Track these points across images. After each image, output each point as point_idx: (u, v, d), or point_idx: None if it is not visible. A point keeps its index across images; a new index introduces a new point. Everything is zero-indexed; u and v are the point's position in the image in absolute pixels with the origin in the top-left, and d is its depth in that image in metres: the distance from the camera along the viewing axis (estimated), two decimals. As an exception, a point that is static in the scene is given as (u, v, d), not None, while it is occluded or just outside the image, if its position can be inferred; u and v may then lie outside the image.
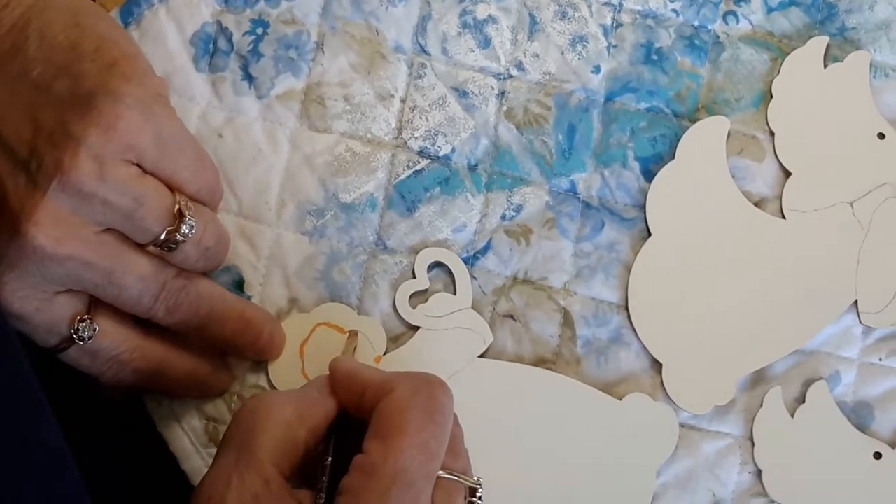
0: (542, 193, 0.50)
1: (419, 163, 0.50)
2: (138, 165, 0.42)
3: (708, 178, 0.50)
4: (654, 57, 0.51)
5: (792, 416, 0.49)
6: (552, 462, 0.48)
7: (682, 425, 0.49)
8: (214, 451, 0.48)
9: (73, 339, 0.43)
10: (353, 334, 0.48)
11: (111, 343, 0.44)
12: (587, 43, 0.51)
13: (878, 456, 0.49)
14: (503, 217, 0.50)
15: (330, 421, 0.42)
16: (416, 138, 0.50)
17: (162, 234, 0.43)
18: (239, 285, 0.49)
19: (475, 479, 0.42)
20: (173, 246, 0.43)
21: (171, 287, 0.44)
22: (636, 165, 0.50)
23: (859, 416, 0.49)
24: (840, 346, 0.50)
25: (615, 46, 0.51)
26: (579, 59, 0.51)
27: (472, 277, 0.49)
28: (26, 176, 0.40)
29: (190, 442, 0.48)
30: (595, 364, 0.49)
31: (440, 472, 0.40)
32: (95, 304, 0.44)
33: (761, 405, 0.49)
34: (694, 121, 0.50)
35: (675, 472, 0.49)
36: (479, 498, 0.42)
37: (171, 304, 0.44)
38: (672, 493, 0.49)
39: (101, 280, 0.42)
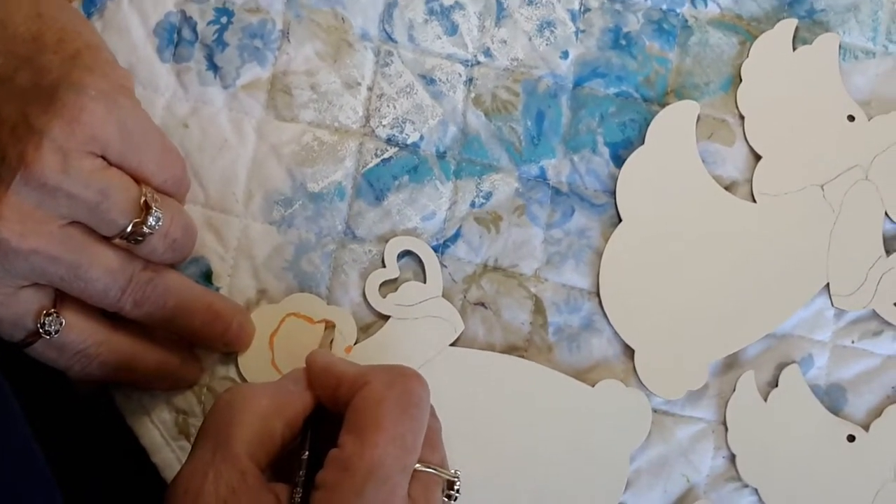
0: (511, 180, 0.50)
1: (387, 151, 0.50)
2: (103, 158, 0.41)
3: (678, 163, 0.50)
4: (623, 42, 0.51)
5: (765, 400, 0.49)
6: (525, 450, 0.48)
7: (655, 411, 0.49)
8: (185, 443, 0.48)
9: (40, 333, 0.43)
10: (330, 325, 0.48)
11: (78, 337, 0.44)
12: (555, 28, 0.51)
13: (851, 439, 0.49)
14: (472, 204, 0.50)
15: (307, 414, 0.42)
16: (384, 126, 0.50)
17: (128, 226, 0.42)
18: (207, 276, 0.48)
19: (453, 471, 0.41)
20: (140, 238, 0.43)
21: (138, 280, 0.44)
22: (606, 151, 0.50)
23: (832, 398, 0.49)
24: (812, 329, 0.50)
25: (583, 31, 0.51)
26: (547, 44, 0.51)
27: (443, 265, 0.49)
28: None
29: (160, 435, 0.48)
30: (567, 351, 0.49)
31: (417, 465, 0.39)
32: (61, 298, 0.43)
33: (734, 390, 0.49)
34: (663, 105, 0.50)
35: (648, 458, 0.49)
36: (457, 490, 0.41)
37: (138, 296, 0.44)
38: (646, 479, 0.49)
39: (66, 274, 0.42)
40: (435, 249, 0.49)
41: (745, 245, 0.49)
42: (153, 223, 0.43)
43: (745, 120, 0.50)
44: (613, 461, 0.48)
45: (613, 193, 0.50)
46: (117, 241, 0.43)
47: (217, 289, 0.49)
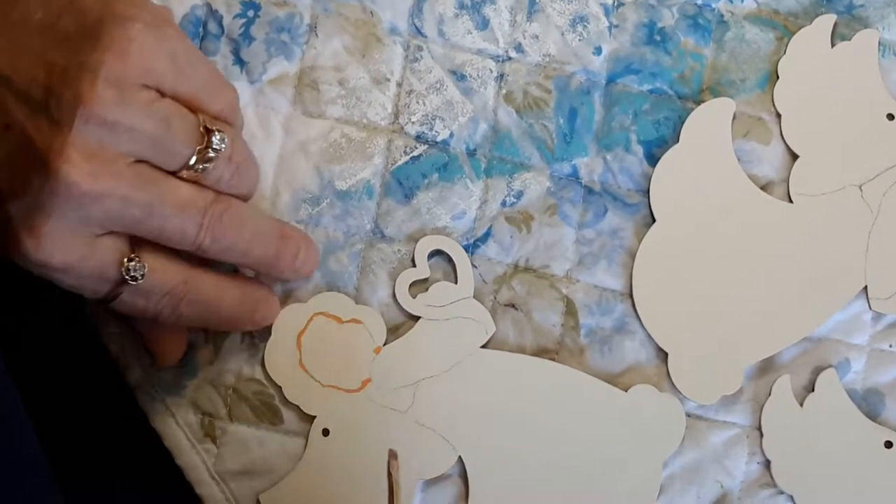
0: (542, 179, 0.49)
1: (416, 148, 0.49)
2: (156, 90, 0.41)
3: (713, 162, 0.49)
4: (657, 37, 0.50)
5: (801, 404, 0.48)
6: (556, 455, 0.47)
7: (688, 415, 0.48)
8: (210, 446, 0.47)
9: (126, 280, 0.41)
10: (394, 457, 0.47)
11: (163, 278, 0.43)
12: (588, 23, 0.50)
13: (889, 445, 0.48)
14: (503, 203, 0.49)
15: None
16: (413, 123, 0.49)
17: (192, 155, 0.41)
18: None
19: None
20: (206, 165, 0.42)
21: (212, 212, 0.42)
22: (639, 149, 0.49)
23: (870, 403, 0.48)
24: (849, 332, 0.49)
25: (616, 27, 0.50)
26: (580, 40, 0.49)
27: (473, 266, 0.48)
28: (47, 118, 0.39)
29: (185, 437, 0.47)
30: (599, 354, 0.48)
31: None
32: (138, 245, 0.42)
33: (769, 394, 0.48)
34: (698, 103, 0.49)
35: (681, 464, 0.48)
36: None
37: (216, 230, 0.42)
38: (679, 485, 0.48)
39: (142, 215, 0.40)
40: (465, 249, 0.48)
41: (781, 246, 0.48)
42: (217, 144, 0.42)
43: (782, 118, 0.49)
44: (646, 467, 0.47)
45: (647, 193, 0.49)
46: (184, 173, 0.42)
47: (243, 288, 0.48)
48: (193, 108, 0.42)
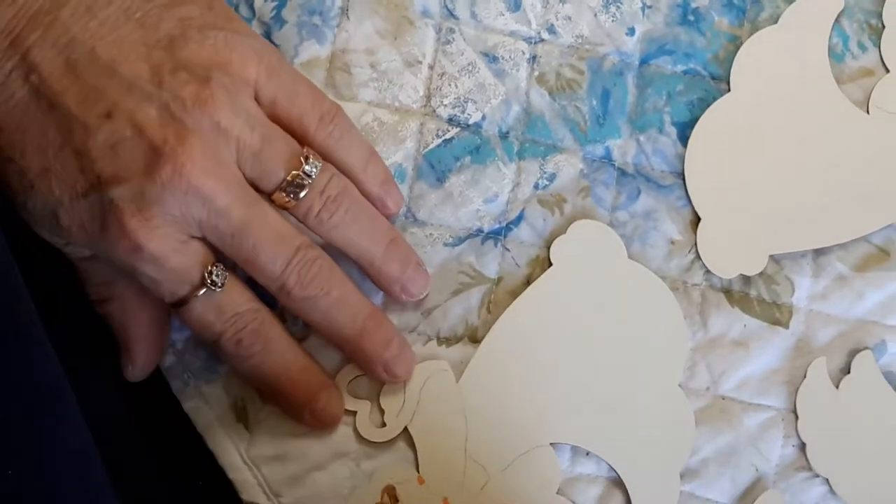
0: (575, 161, 0.49)
1: (449, 131, 0.49)
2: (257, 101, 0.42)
3: (801, 49, 0.49)
4: (691, 17, 0.49)
5: (836, 387, 0.48)
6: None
7: (722, 398, 0.48)
8: (242, 430, 0.47)
9: (206, 284, 0.42)
10: (390, 491, 0.46)
11: (239, 297, 0.43)
12: (621, 4, 0.49)
13: (925, 427, 0.47)
14: (536, 186, 0.49)
15: None
16: (446, 106, 0.49)
17: (286, 177, 0.42)
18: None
19: None
20: (298, 191, 0.42)
21: (305, 254, 0.43)
22: (673, 131, 0.49)
23: (906, 386, 0.48)
24: (886, 314, 0.48)
25: (650, 7, 0.49)
26: (613, 20, 0.49)
27: (505, 249, 0.48)
28: (159, 110, 0.40)
29: (217, 422, 0.47)
30: (633, 336, 0.48)
31: None
32: (222, 262, 0.43)
33: (804, 376, 0.48)
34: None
35: (716, 448, 0.48)
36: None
37: (303, 273, 0.43)
38: (713, 469, 0.47)
39: (237, 231, 0.41)
40: (497, 233, 0.48)
41: (842, 151, 0.48)
42: (310, 170, 0.42)
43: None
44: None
45: (681, 175, 0.49)
46: (276, 195, 0.42)
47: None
48: (293, 119, 0.43)
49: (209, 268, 0.42)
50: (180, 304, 0.42)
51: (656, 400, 0.47)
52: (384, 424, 0.47)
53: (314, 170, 0.43)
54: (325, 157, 0.44)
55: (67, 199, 0.40)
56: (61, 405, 0.38)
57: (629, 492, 0.47)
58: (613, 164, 0.49)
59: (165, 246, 0.40)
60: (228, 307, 0.43)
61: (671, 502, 0.47)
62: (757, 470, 0.48)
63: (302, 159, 0.42)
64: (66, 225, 0.41)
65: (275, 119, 0.43)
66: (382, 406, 0.47)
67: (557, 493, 0.47)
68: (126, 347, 0.46)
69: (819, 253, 0.48)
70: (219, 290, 0.42)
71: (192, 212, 0.40)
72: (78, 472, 0.37)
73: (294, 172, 0.42)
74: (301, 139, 0.44)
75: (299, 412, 0.46)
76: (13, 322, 0.37)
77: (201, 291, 0.42)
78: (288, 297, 0.43)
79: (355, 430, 0.47)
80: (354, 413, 0.47)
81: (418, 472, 0.47)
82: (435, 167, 0.48)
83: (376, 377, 0.46)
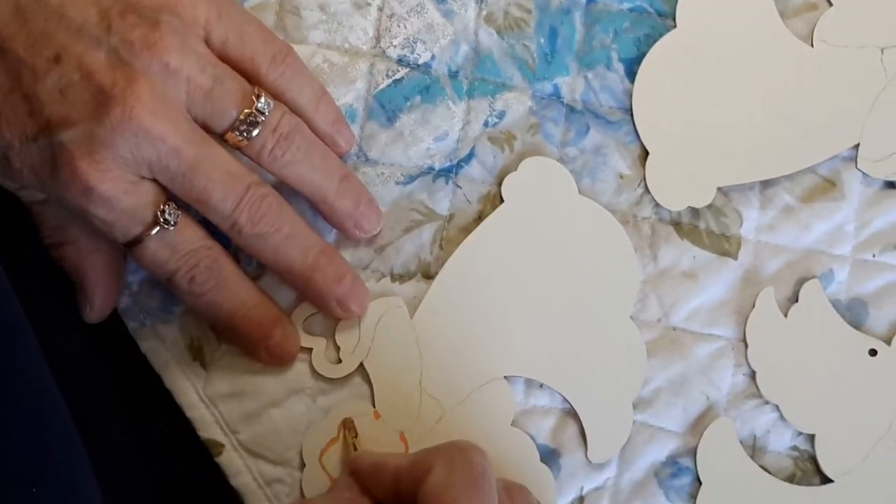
0: (524, 99, 0.49)
1: (398, 72, 0.49)
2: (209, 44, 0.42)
3: None
4: (636, -45, 0.50)
5: (785, 315, 0.48)
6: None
7: (673, 329, 0.48)
8: (199, 369, 0.47)
9: (159, 223, 0.42)
10: (349, 424, 0.47)
11: (192, 234, 0.43)
12: (567, -57, 0.50)
13: (873, 353, 0.48)
14: (486, 124, 0.49)
15: None
16: (395, 47, 0.49)
17: (238, 116, 0.42)
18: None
19: None
20: (251, 129, 0.43)
21: (255, 192, 0.43)
22: (620, 67, 0.49)
23: (854, 313, 0.49)
24: (833, 243, 0.49)
25: (595, -54, 0.50)
26: (559, -41, 0.50)
27: (457, 186, 0.49)
28: (109, 55, 0.40)
29: (174, 361, 0.48)
30: (584, 270, 0.49)
31: None
32: (174, 201, 0.43)
33: (753, 306, 0.48)
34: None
35: (667, 377, 0.48)
36: None
37: (254, 210, 0.43)
38: (665, 398, 0.48)
39: (187, 171, 0.41)
40: (448, 171, 0.49)
41: (788, 84, 0.49)
42: (262, 107, 0.43)
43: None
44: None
45: (629, 111, 0.49)
46: (229, 135, 0.43)
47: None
48: (245, 60, 0.44)
49: (161, 206, 0.42)
50: (134, 243, 0.43)
51: (608, 332, 0.48)
52: (340, 361, 0.47)
53: (267, 107, 0.43)
54: (277, 98, 0.45)
55: (18, 143, 0.40)
56: (21, 342, 0.38)
57: (583, 422, 0.47)
58: (562, 102, 0.49)
59: (116, 187, 0.41)
60: (181, 245, 0.43)
61: (624, 431, 0.47)
62: (708, 398, 0.48)
63: (254, 97, 0.43)
64: (18, 167, 0.41)
65: (226, 60, 0.43)
66: (338, 343, 0.47)
67: (512, 425, 0.47)
68: (83, 290, 0.46)
69: (766, 185, 0.49)
70: (171, 228, 0.43)
71: (143, 153, 0.41)
72: (36, 410, 0.38)
73: (246, 111, 0.43)
74: (252, 80, 0.44)
75: (254, 349, 0.46)
76: None
77: (154, 230, 0.42)
78: (239, 235, 0.44)
79: (311, 366, 0.47)
80: (310, 350, 0.47)
81: (374, 407, 0.47)
82: (385, 107, 0.49)
83: (330, 313, 0.47)
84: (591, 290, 0.48)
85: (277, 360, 0.47)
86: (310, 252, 0.45)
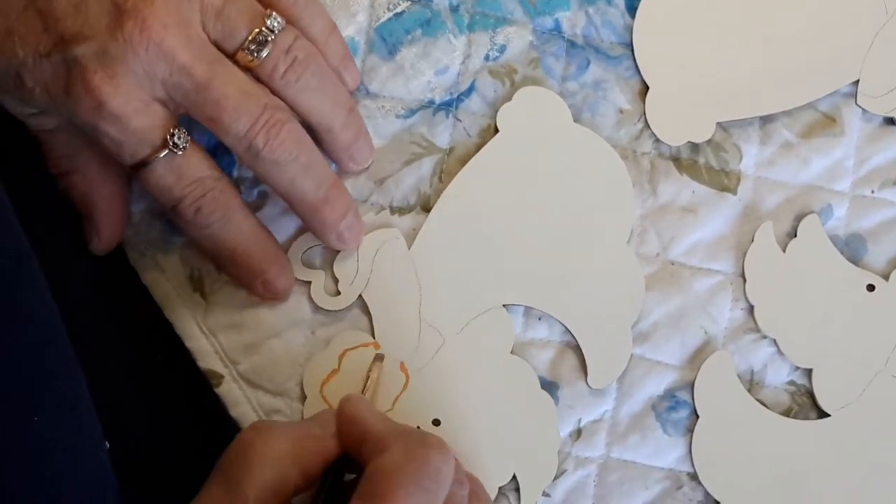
0: (525, 33, 0.49)
1: (399, 5, 0.49)
2: None
3: None
4: None
5: (784, 250, 0.48)
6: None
7: (672, 263, 0.48)
8: (199, 299, 0.47)
9: (167, 146, 0.42)
10: (379, 360, 0.47)
11: (200, 162, 0.43)
12: None
13: (871, 288, 0.48)
14: (486, 58, 0.49)
15: (328, 462, 0.41)
16: (396, -20, 0.49)
17: (248, 35, 0.42)
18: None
19: None
20: (262, 48, 0.42)
21: (273, 115, 0.42)
22: (621, 2, 0.49)
23: (852, 248, 0.49)
24: (832, 179, 0.49)
25: None
26: None
27: (457, 119, 0.49)
28: None
29: (174, 291, 0.48)
30: (583, 204, 0.49)
31: None
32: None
33: (752, 241, 0.48)
34: (680, -44, 0.49)
35: (666, 311, 0.48)
36: None
37: (271, 134, 0.42)
38: (663, 332, 0.48)
39: (199, 88, 0.41)
40: (448, 104, 0.49)
41: (789, 19, 0.49)
42: (272, 24, 0.43)
43: None
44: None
45: (629, 45, 0.49)
46: (240, 54, 0.43)
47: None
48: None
49: (171, 130, 0.42)
50: (141, 166, 0.43)
51: (605, 259, 0.48)
52: (338, 293, 0.48)
53: (277, 25, 0.43)
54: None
55: (31, 60, 0.40)
56: (26, 271, 0.38)
57: (582, 348, 0.48)
58: (563, 36, 0.49)
59: (128, 105, 0.41)
60: (189, 172, 0.43)
61: (623, 357, 0.48)
62: (706, 332, 0.48)
63: (265, 17, 0.43)
64: (31, 87, 0.41)
65: None
66: (336, 275, 0.48)
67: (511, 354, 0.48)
68: (90, 219, 0.46)
69: (766, 120, 0.49)
70: (180, 153, 0.42)
71: (155, 69, 0.41)
72: (39, 339, 0.38)
73: (256, 30, 0.43)
74: (266, 5, 0.44)
75: (252, 283, 0.47)
76: None
77: (162, 153, 0.42)
78: (255, 160, 0.43)
79: (310, 298, 0.48)
80: (309, 283, 0.48)
81: (374, 338, 0.47)
82: (386, 40, 0.49)
83: (328, 243, 0.47)
84: (588, 218, 0.48)
85: (274, 295, 0.47)
86: (323, 184, 0.45)
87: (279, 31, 0.43)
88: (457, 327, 0.47)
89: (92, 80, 0.40)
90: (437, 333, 0.47)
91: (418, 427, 0.46)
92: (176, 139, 0.42)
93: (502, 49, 0.49)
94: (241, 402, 0.47)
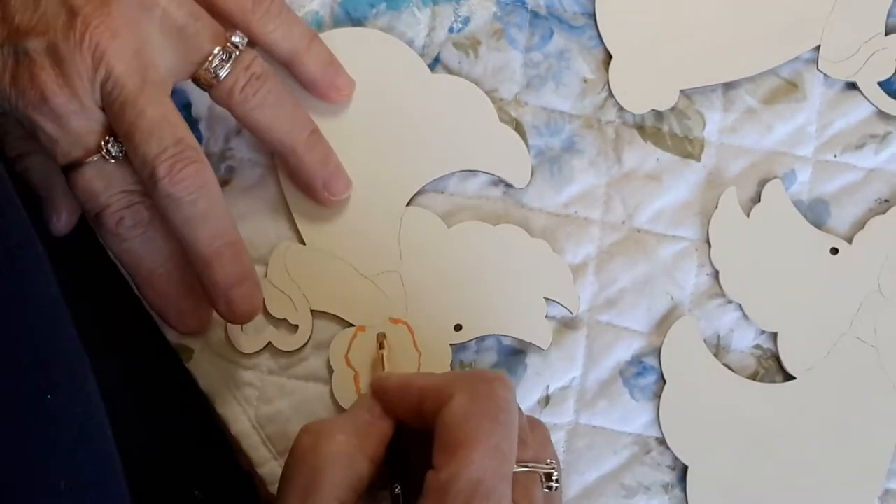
0: (489, 4, 0.50)
1: (363, -22, 0.49)
2: None
3: None
4: None
5: (748, 216, 0.49)
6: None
7: (637, 230, 0.49)
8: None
9: (101, 151, 0.42)
10: (380, 339, 0.47)
11: (131, 176, 0.43)
12: None
13: (834, 251, 0.48)
14: (451, 30, 0.49)
15: (387, 443, 0.40)
16: (360, -47, 0.49)
17: (211, 52, 0.43)
18: (186, 108, 0.48)
19: (548, 462, 0.40)
20: (224, 64, 0.43)
21: (184, 151, 0.42)
22: (583, -28, 0.50)
23: (815, 213, 0.49)
24: (795, 144, 0.49)
25: None
26: None
27: (422, 91, 0.49)
28: None
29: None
30: (548, 173, 0.49)
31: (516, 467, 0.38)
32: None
33: (716, 207, 0.49)
34: (641, -75, 0.50)
35: (632, 278, 0.49)
36: (556, 480, 0.40)
37: (176, 168, 0.42)
38: (629, 298, 0.49)
39: (125, 100, 0.41)
40: (414, 76, 0.49)
41: None
42: (237, 41, 0.43)
43: None
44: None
45: (592, 15, 0.50)
46: (200, 71, 0.43)
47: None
48: (228, 13, 0.44)
49: (107, 137, 0.42)
50: (72, 167, 0.43)
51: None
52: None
53: (241, 43, 0.44)
54: (265, 37, 0.45)
55: None
56: (34, 258, 0.38)
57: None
58: (526, 7, 0.50)
59: (69, 105, 0.41)
60: (118, 181, 0.43)
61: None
62: (672, 298, 0.49)
63: (227, 36, 0.43)
64: None
65: (209, 6, 0.44)
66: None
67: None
68: (49, 201, 0.46)
69: (729, 87, 0.50)
70: (111, 161, 0.43)
71: (96, 75, 0.41)
72: (49, 319, 0.37)
73: (219, 47, 0.43)
74: (239, 22, 0.45)
75: (165, 312, 0.46)
76: None
77: (94, 157, 0.42)
78: (154, 189, 0.42)
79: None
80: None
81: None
82: (351, 14, 0.49)
83: (217, 309, 0.45)
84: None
85: (186, 329, 0.47)
86: (218, 238, 0.44)
87: (242, 49, 0.44)
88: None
89: (39, 74, 0.40)
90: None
91: None
92: (110, 146, 0.42)
93: (466, 21, 0.49)
94: (211, 375, 0.48)
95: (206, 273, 0.44)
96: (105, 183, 0.43)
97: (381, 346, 0.47)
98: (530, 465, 0.39)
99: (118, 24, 0.41)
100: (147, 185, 0.43)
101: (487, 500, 0.36)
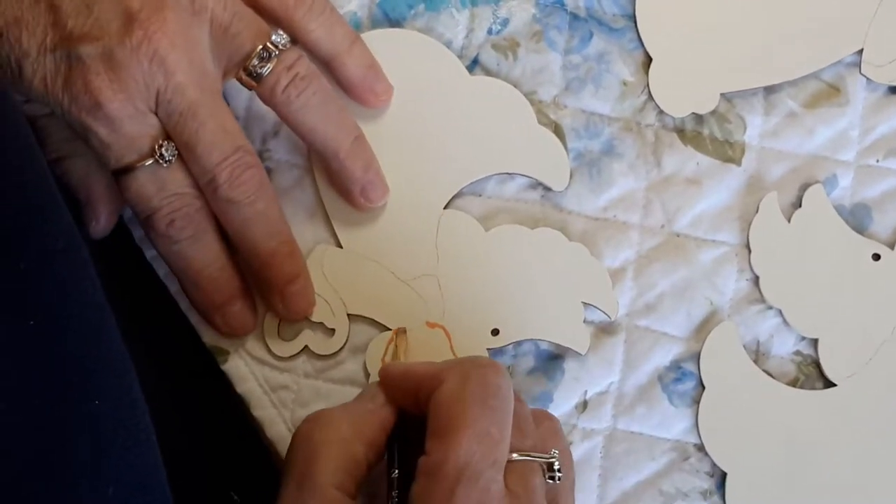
0: (528, 6, 0.49)
1: (402, -21, 0.49)
2: None
3: None
4: None
5: (788, 221, 0.48)
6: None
7: (677, 235, 0.48)
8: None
9: (154, 155, 0.42)
10: (402, 332, 0.47)
11: (182, 179, 0.43)
12: None
13: (876, 257, 0.48)
14: (489, 31, 0.49)
15: (388, 431, 0.40)
16: (398, -46, 0.49)
17: (252, 51, 0.43)
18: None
19: (550, 452, 0.40)
20: (264, 63, 0.43)
21: (243, 156, 0.43)
22: (623, -26, 0.49)
23: (857, 218, 0.49)
24: (837, 149, 0.49)
25: None
26: None
27: (460, 93, 0.49)
28: None
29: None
30: (587, 176, 0.49)
31: (512, 454, 0.38)
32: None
33: (757, 211, 0.48)
34: (682, -73, 0.49)
35: (672, 282, 0.48)
36: (558, 470, 0.39)
37: (235, 174, 0.43)
38: (669, 303, 0.48)
39: (185, 111, 0.42)
40: (452, 78, 0.49)
41: None
42: (277, 40, 0.43)
43: None
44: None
45: (632, 17, 0.49)
46: (242, 69, 0.43)
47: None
48: (272, 12, 0.44)
49: (160, 141, 0.42)
50: (124, 171, 0.43)
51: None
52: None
53: (281, 40, 0.43)
54: (307, 35, 0.45)
55: (35, 52, 0.41)
56: (80, 263, 0.38)
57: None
58: (566, 9, 0.49)
59: (124, 110, 0.41)
60: (170, 185, 0.43)
61: None
62: (711, 304, 0.48)
63: (269, 33, 0.43)
64: (29, 78, 0.41)
65: (253, 5, 0.44)
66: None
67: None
68: (88, 205, 0.46)
69: (770, 91, 0.49)
70: (165, 165, 0.43)
71: (154, 81, 0.41)
72: (96, 324, 0.37)
73: (260, 45, 0.43)
74: (281, 20, 0.45)
75: (211, 312, 0.46)
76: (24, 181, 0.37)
77: (147, 162, 0.42)
78: (214, 194, 0.43)
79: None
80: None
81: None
82: (389, 15, 0.49)
83: (274, 307, 0.47)
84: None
85: (231, 330, 0.47)
86: (274, 237, 0.45)
87: (283, 48, 0.43)
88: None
89: (93, 80, 0.40)
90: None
91: None
92: (164, 151, 0.42)
93: (505, 22, 0.49)
94: (247, 378, 0.48)
95: (264, 271, 0.45)
96: (157, 187, 0.43)
97: (392, 339, 0.47)
98: (528, 453, 0.39)
99: (174, 31, 0.41)
100: (206, 191, 0.43)
101: (475, 484, 0.36)
